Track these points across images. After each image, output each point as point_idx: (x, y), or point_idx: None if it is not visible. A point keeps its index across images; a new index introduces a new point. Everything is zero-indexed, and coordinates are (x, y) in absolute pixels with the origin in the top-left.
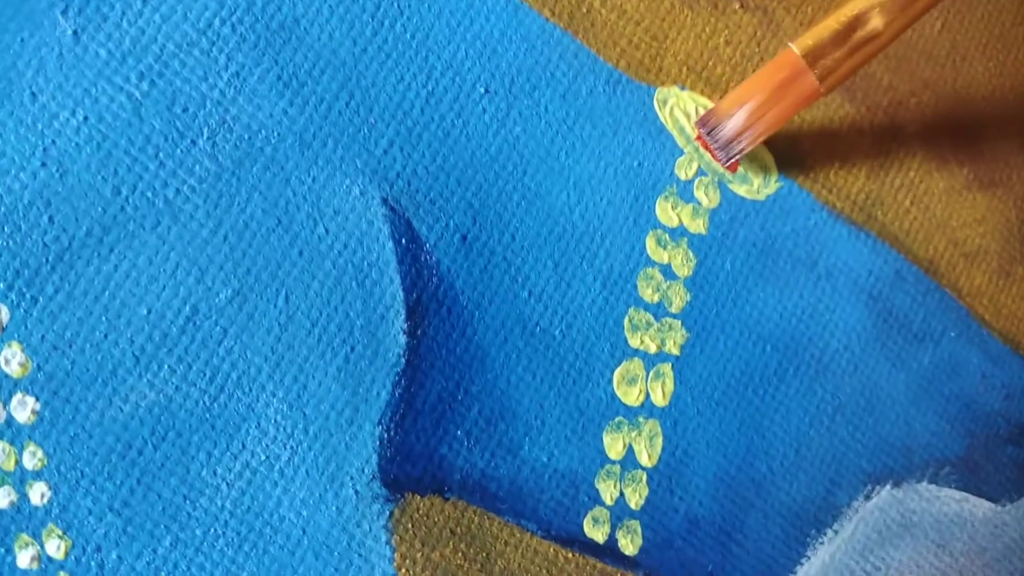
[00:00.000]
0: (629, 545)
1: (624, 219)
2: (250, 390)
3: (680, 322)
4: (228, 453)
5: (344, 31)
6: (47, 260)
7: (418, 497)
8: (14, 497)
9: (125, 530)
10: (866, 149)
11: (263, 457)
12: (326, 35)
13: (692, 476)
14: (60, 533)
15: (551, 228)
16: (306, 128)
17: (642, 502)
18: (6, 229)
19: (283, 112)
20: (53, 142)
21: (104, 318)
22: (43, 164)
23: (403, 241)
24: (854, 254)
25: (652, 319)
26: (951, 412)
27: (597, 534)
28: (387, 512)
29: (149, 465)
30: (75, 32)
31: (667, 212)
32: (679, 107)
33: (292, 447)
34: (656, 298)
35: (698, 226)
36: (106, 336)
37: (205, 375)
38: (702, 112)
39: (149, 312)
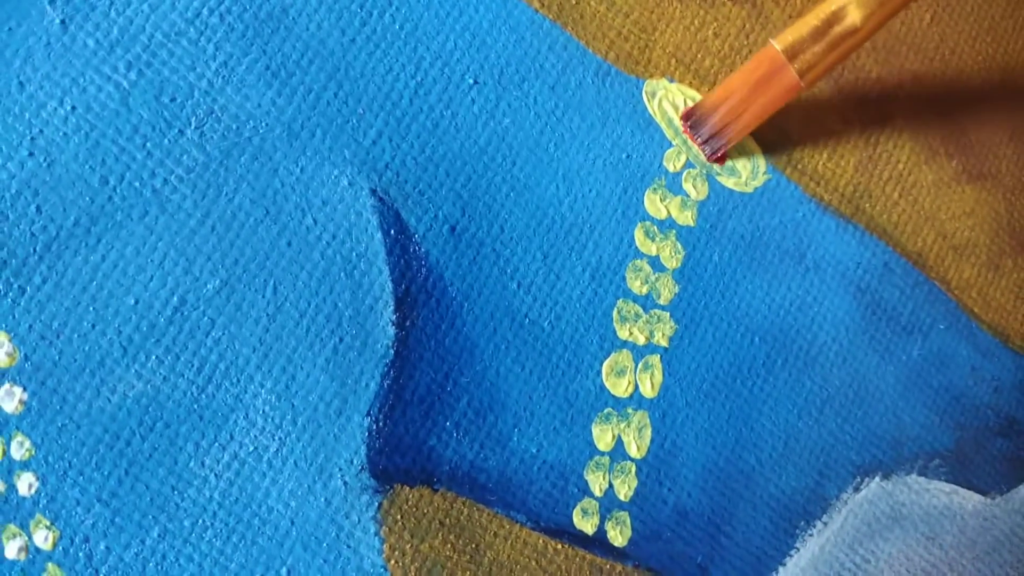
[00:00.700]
0: (618, 536)
1: (613, 211)
2: (238, 381)
3: (668, 314)
4: (216, 444)
5: (332, 21)
6: (35, 250)
7: (407, 488)
8: (1, 487)
9: (113, 521)
10: (854, 142)
11: (251, 448)
12: (314, 25)
13: (681, 468)
14: (48, 524)
15: (540, 219)
16: (294, 118)
17: (631, 493)
18: None
19: (271, 102)
20: (41, 132)
21: (92, 308)
22: (31, 154)
23: (392, 232)
24: (842, 246)
25: (641, 311)
26: (940, 405)
27: (586, 525)
28: (376, 503)
29: (137, 456)
30: (63, 21)
31: (655, 204)
32: (667, 99)
33: (280, 438)
34: (644, 290)
35: (686, 218)
36: (94, 326)
37: (193, 365)
38: (690, 104)
39: (137, 302)
